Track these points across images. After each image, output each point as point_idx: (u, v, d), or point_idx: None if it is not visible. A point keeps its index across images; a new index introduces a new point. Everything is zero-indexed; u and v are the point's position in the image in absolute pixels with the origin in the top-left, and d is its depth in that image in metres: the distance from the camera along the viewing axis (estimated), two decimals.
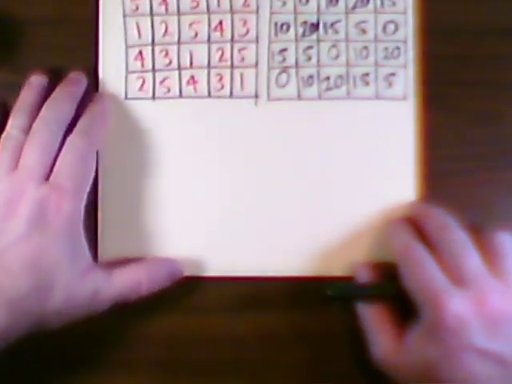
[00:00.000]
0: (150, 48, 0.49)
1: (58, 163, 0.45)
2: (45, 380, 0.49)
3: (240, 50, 0.49)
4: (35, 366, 0.49)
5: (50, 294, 0.43)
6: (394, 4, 0.49)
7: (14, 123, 0.46)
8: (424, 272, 0.44)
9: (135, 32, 0.49)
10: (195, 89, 0.49)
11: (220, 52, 0.49)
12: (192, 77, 0.49)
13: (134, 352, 0.49)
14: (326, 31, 0.49)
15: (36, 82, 0.48)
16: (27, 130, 0.46)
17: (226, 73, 0.49)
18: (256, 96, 0.49)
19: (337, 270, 0.48)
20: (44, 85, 0.48)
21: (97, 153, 0.47)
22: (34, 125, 0.45)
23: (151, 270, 0.47)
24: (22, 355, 0.48)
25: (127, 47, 0.49)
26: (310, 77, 0.49)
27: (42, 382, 0.49)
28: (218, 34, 0.49)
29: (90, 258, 0.46)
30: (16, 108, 0.47)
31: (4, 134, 0.46)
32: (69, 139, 0.45)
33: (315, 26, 0.49)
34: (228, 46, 0.49)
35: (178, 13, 0.49)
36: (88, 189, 0.46)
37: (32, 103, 0.47)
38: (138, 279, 0.46)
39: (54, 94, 0.47)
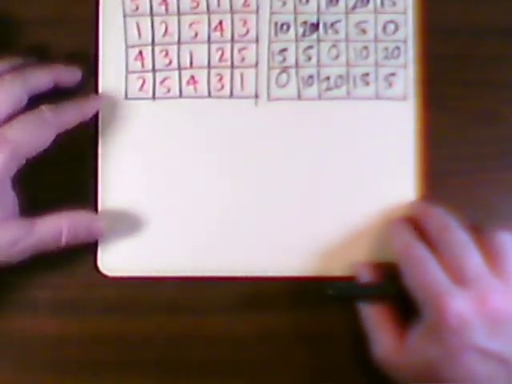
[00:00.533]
0: (150, 48, 0.49)
1: (15, 118, 0.44)
2: (45, 381, 0.49)
3: (240, 50, 0.49)
4: (34, 368, 0.49)
5: None
6: (394, 4, 0.49)
7: None
8: (425, 272, 0.44)
9: (135, 32, 0.49)
10: (195, 89, 0.49)
11: (220, 52, 0.49)
12: (192, 77, 0.49)
13: (134, 352, 0.48)
14: (326, 31, 0.49)
15: (31, 60, 0.47)
16: None
17: (226, 73, 0.49)
18: (256, 96, 0.49)
19: (337, 269, 0.48)
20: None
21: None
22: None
23: (72, 222, 0.46)
24: (25, 356, 0.49)
25: (127, 47, 0.49)
26: (310, 77, 0.49)
27: None
28: (217, 33, 0.49)
29: (15, 209, 0.45)
30: None
31: None
32: (40, 107, 0.45)
33: (315, 26, 0.49)
34: (228, 45, 0.49)
35: (178, 13, 0.49)
36: (30, 158, 0.44)
37: (11, 63, 0.46)
38: (59, 228, 0.45)
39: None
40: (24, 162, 0.44)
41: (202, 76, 0.49)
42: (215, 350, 0.48)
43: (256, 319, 0.49)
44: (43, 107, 0.45)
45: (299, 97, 0.49)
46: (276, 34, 0.49)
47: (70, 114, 0.46)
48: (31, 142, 0.44)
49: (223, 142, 0.49)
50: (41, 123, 0.45)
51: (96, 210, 0.48)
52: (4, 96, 0.44)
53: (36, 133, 0.44)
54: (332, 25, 0.49)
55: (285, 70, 0.49)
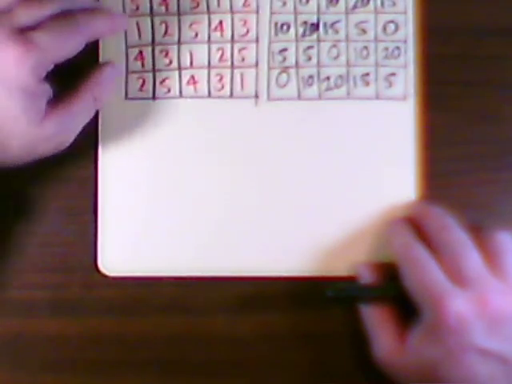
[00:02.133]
0: (150, 48, 0.49)
1: (47, 23, 0.43)
2: (45, 381, 0.49)
3: (240, 50, 0.49)
4: (34, 368, 0.49)
5: (6, 144, 0.42)
6: (394, 4, 0.49)
7: None
8: (424, 272, 0.44)
9: (135, 32, 0.49)
10: (195, 89, 0.49)
11: (220, 52, 0.49)
12: (192, 77, 0.49)
13: (134, 352, 0.48)
14: (326, 31, 0.49)
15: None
16: None
17: (226, 73, 0.49)
18: (256, 96, 0.49)
19: (337, 270, 0.48)
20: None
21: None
22: None
23: (98, 81, 0.46)
24: (25, 356, 0.49)
25: (127, 47, 0.49)
26: (310, 77, 0.49)
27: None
28: (218, 34, 0.49)
29: (46, 103, 0.43)
30: None
31: None
32: (74, 14, 0.43)
33: (315, 26, 0.49)
34: (228, 45, 0.49)
35: (178, 13, 0.49)
36: (58, 63, 0.43)
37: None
38: (92, 96, 0.45)
39: None
40: (52, 66, 0.43)
41: (202, 76, 0.49)
42: (215, 349, 0.48)
43: (256, 319, 0.49)
44: (78, 15, 0.43)
45: (299, 97, 0.49)
46: (276, 33, 0.49)
47: (102, 26, 0.45)
48: (59, 48, 0.43)
49: (223, 141, 0.49)
50: (72, 30, 0.43)
51: (96, 209, 0.49)
52: (42, 5, 0.43)
53: (66, 40, 0.43)
54: (332, 25, 0.49)
55: (285, 70, 0.49)
